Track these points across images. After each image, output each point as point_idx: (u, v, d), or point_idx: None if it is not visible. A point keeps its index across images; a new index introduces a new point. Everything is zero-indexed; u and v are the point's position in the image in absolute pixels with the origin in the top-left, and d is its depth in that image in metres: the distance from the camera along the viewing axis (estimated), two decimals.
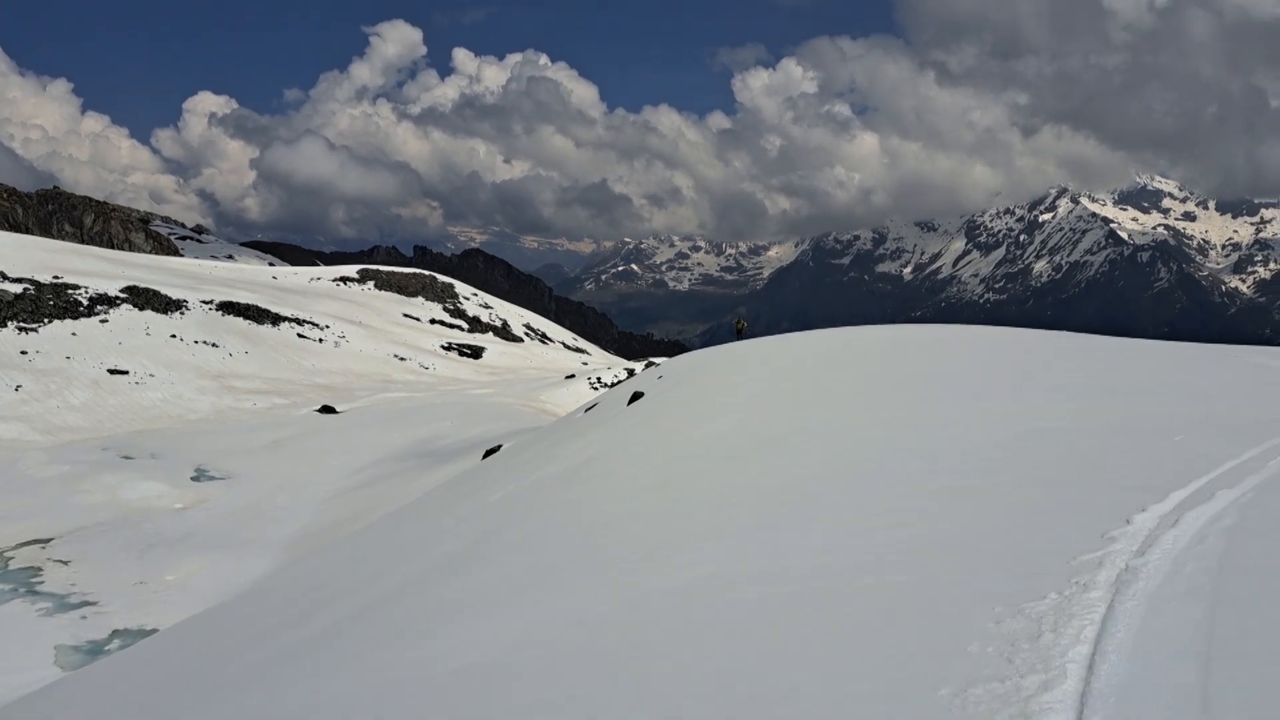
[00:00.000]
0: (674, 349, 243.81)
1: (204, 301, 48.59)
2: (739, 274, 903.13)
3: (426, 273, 67.30)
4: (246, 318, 48.96)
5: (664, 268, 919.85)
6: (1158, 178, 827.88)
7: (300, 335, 50.07)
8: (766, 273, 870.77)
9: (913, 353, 15.64)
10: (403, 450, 31.44)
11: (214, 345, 45.57)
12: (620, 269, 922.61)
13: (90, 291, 44.91)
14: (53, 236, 63.47)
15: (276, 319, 50.35)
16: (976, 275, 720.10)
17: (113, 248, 64.58)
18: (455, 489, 16.36)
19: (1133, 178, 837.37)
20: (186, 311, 47.22)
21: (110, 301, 45.00)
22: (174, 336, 44.57)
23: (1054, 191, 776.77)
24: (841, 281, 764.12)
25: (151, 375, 41.36)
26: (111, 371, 40.41)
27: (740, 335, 42.83)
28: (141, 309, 45.67)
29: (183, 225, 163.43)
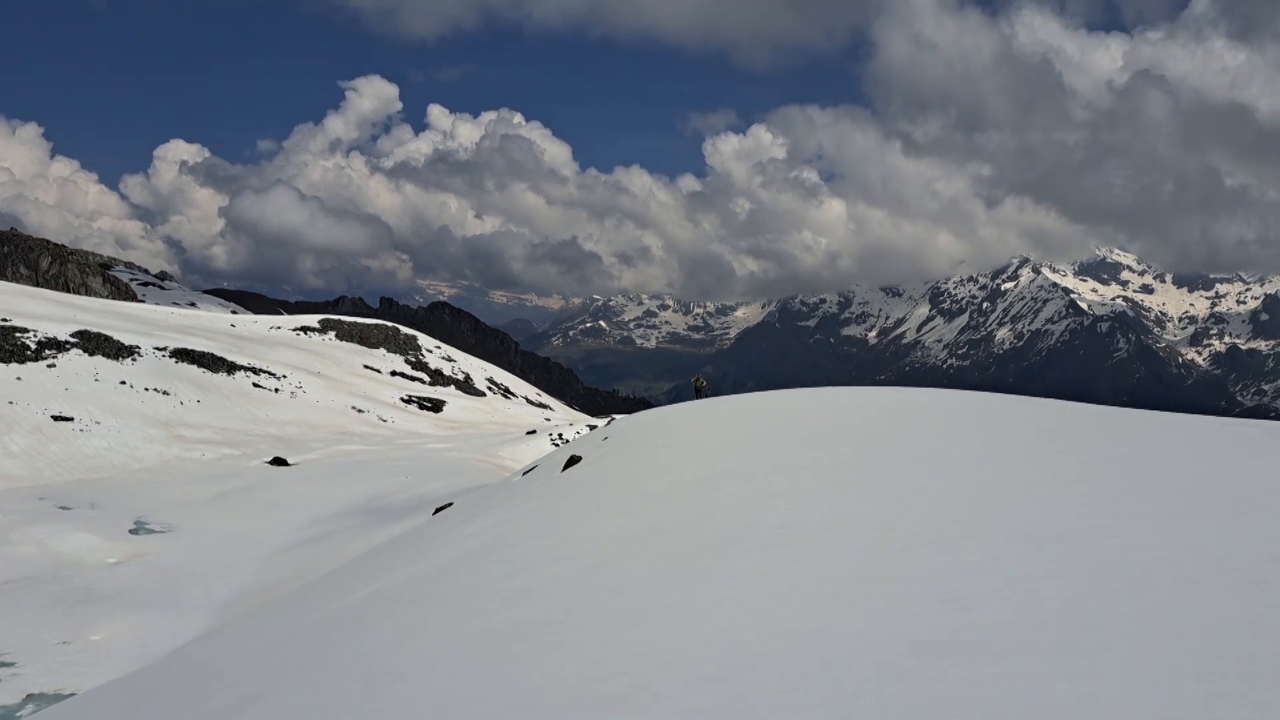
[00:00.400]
0: (639, 406, 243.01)
1: (157, 348, 47.56)
2: (706, 333, 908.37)
3: (389, 324, 66.63)
4: (201, 365, 47.95)
5: (632, 325, 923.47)
6: (1117, 251, 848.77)
7: (256, 384, 49.10)
8: (734, 333, 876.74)
9: (896, 423, 13.84)
10: (351, 506, 30.57)
11: (165, 393, 44.47)
12: (588, 325, 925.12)
13: (39, 335, 43.79)
14: (6, 279, 62.08)
15: (232, 367, 49.38)
16: (940, 341, 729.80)
17: (69, 292, 63.33)
18: (367, 563, 15.17)
19: (1092, 250, 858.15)
20: (139, 358, 46.14)
21: (59, 346, 43.89)
22: (123, 383, 43.47)
23: (1016, 261, 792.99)
24: (807, 344, 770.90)
25: (97, 422, 40.20)
26: (55, 418, 39.22)
27: (700, 394, 42.02)
28: (91, 354, 44.57)
29: (146, 271, 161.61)
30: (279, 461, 40.18)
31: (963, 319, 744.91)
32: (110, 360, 44.78)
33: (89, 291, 65.22)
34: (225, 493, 33.90)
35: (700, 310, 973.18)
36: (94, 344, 44.92)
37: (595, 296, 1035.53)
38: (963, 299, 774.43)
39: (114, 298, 68.16)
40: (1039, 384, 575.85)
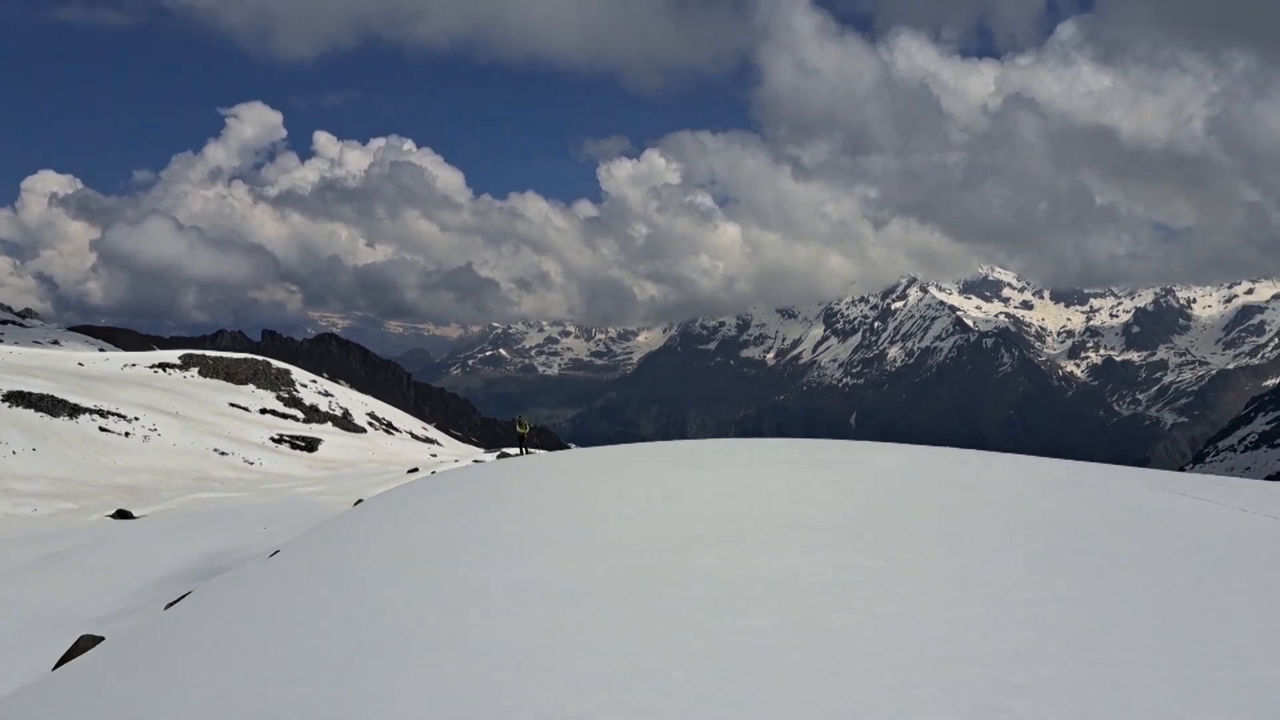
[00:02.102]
0: (541, 435, 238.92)
1: None
2: (609, 359, 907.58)
3: (260, 358, 62.29)
4: (38, 409, 43.26)
5: (533, 352, 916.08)
6: (998, 269, 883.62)
7: (103, 429, 44.58)
8: (636, 357, 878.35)
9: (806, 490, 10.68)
10: (195, 565, 27.05)
11: None
12: (488, 354, 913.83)
13: None
14: None
15: (75, 410, 44.74)
16: (835, 360, 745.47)
17: None
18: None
19: (975, 268, 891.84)
20: None
21: None
22: None
23: (904, 281, 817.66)
24: (709, 366, 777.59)
25: None
26: None
27: (522, 441, 38.14)
28: None
29: (8, 309, 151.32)
30: (122, 514, 35.98)
31: (856, 338, 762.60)
32: None
33: None
34: (51, 555, 29.73)
35: (602, 336, 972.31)
36: None
37: (494, 324, 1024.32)
38: (855, 319, 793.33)
39: None
40: (930, 399, 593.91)
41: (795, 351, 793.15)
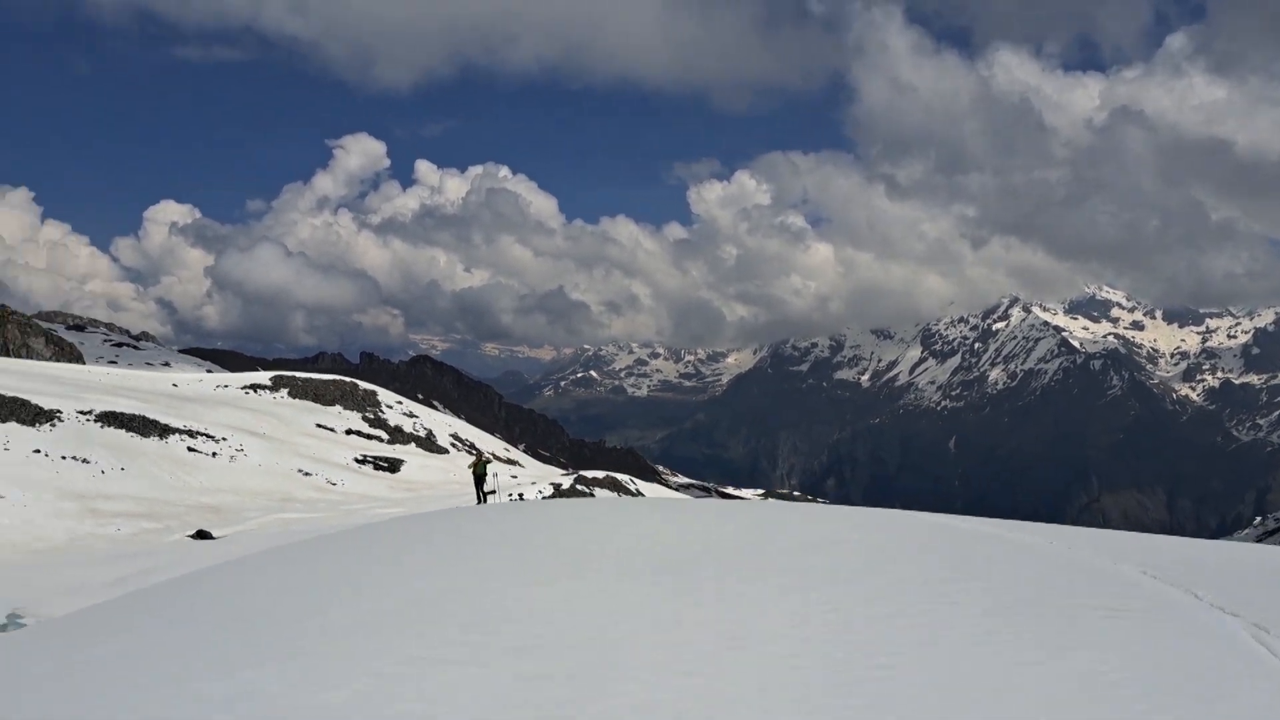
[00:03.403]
0: (628, 456, 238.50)
1: (81, 412, 43.80)
2: (698, 380, 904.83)
3: (347, 379, 62.95)
4: (129, 429, 44.16)
5: (623, 374, 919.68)
6: (1105, 287, 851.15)
7: (190, 449, 45.27)
8: (725, 379, 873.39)
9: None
10: None
11: (85, 461, 40.59)
12: (579, 375, 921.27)
13: None
14: None
15: (165, 430, 45.57)
16: (933, 383, 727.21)
17: (8, 353, 59.71)
18: None
19: (1081, 287, 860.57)
20: (59, 423, 42.36)
21: None
22: (37, 451, 39.63)
23: (1006, 301, 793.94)
24: (800, 388, 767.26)
25: (1, 497, 36.24)
26: None
27: (480, 483, 32.98)
28: (4, 420, 40.80)
29: (126, 332, 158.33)
30: (202, 535, 36.21)
31: (955, 360, 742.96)
32: (25, 427, 41.00)
33: (30, 353, 61.59)
34: (126, 577, 30.04)
35: (691, 357, 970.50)
36: (7, 409, 41.17)
37: (586, 346, 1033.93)
38: (954, 340, 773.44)
39: (57, 358, 64.61)
40: (1034, 424, 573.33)
41: (891, 373, 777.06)
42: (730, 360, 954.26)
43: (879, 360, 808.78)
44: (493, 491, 34.63)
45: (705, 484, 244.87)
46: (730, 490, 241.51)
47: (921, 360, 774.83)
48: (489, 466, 34.10)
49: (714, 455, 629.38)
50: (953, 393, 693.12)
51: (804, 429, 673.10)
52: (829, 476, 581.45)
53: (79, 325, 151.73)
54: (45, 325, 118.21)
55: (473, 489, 35.11)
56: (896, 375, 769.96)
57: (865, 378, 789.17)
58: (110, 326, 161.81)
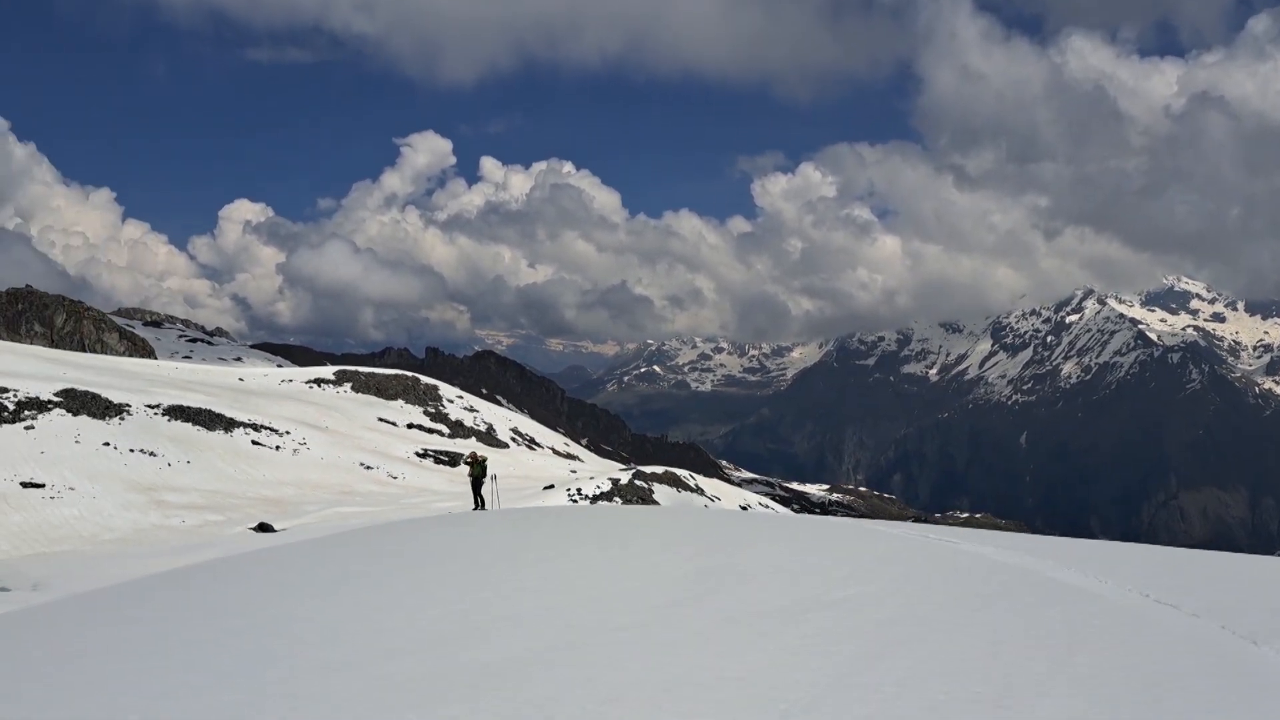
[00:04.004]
0: (690, 452, 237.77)
1: (149, 405, 44.68)
2: (762, 375, 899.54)
3: (410, 374, 63.44)
4: (195, 423, 44.93)
5: (686, 369, 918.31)
6: (1184, 279, 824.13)
7: (255, 442, 45.91)
8: (790, 374, 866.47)
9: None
10: None
11: (152, 454, 41.37)
12: (642, 370, 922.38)
13: (19, 395, 41.15)
14: (20, 337, 60.55)
15: (231, 424, 46.28)
16: (1004, 377, 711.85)
17: (83, 349, 61.49)
18: None
19: (1159, 279, 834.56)
20: (127, 416, 43.25)
21: (41, 405, 41.19)
22: (107, 444, 40.47)
23: (1080, 293, 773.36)
24: (867, 383, 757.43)
25: (71, 488, 37.08)
26: (25, 484, 36.18)
27: (477, 483, 29.28)
28: (76, 414, 41.76)
29: (201, 328, 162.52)
30: (264, 528, 36.57)
31: (1026, 353, 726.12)
32: (95, 420, 41.94)
33: (104, 348, 63.30)
34: (183, 569, 30.50)
35: (756, 352, 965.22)
36: (79, 403, 42.18)
37: (649, 341, 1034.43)
38: (1025, 333, 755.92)
39: (130, 354, 66.25)
40: (1109, 418, 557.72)
41: (960, 367, 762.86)
42: (795, 354, 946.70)
43: (947, 354, 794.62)
44: (482, 502, 30.34)
45: (769, 479, 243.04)
46: (795, 485, 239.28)
47: (991, 354, 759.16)
48: (487, 465, 30.74)
49: (778, 450, 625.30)
50: (1024, 387, 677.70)
51: (870, 424, 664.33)
52: (895, 472, 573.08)
53: (155, 321, 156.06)
54: (124, 321, 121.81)
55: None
56: (965, 369, 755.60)
57: (933, 372, 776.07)
58: (186, 322, 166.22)
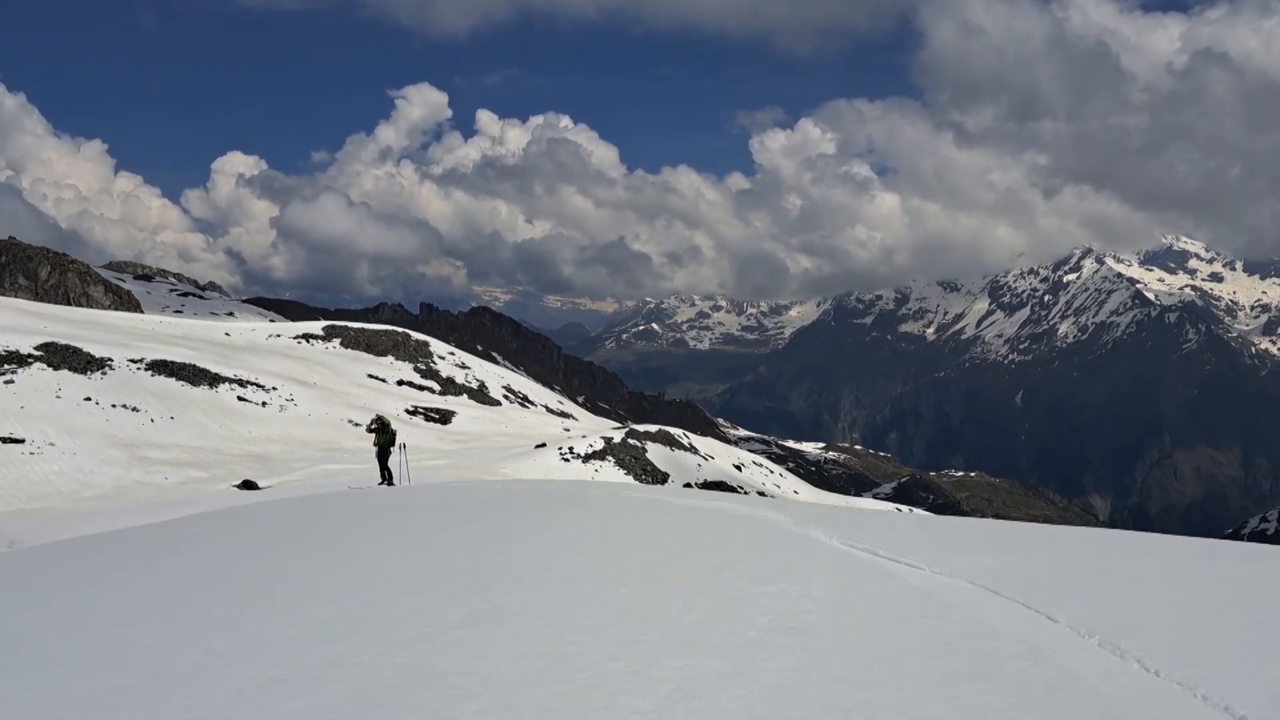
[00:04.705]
0: (688, 410, 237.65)
1: (132, 360, 43.84)
2: (760, 333, 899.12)
3: (400, 330, 62.52)
4: (180, 378, 44.11)
5: (684, 327, 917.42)
6: (1183, 238, 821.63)
7: (240, 398, 45.14)
8: (788, 332, 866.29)
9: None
10: None
11: (134, 409, 40.57)
12: (641, 328, 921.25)
13: None
14: (3, 290, 59.44)
15: (215, 380, 45.48)
16: (1000, 336, 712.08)
17: (69, 302, 60.45)
18: None
19: (1158, 238, 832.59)
20: (109, 371, 42.43)
21: (21, 360, 40.33)
22: (88, 399, 39.66)
23: (1078, 252, 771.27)
24: (864, 341, 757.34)
25: (51, 444, 36.32)
26: (4, 440, 35.38)
27: (383, 453, 25.76)
28: (57, 368, 40.93)
29: (194, 282, 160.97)
30: (248, 485, 35.87)
31: (1024, 312, 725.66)
32: (77, 374, 41.10)
33: (89, 301, 62.28)
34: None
35: (754, 310, 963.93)
36: (60, 357, 41.31)
37: (647, 299, 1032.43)
38: (1023, 292, 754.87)
39: (116, 307, 65.25)
40: (1105, 378, 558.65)
41: (957, 326, 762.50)
42: (793, 313, 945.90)
43: (945, 313, 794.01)
44: (389, 478, 26.50)
45: (766, 437, 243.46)
46: (791, 444, 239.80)
47: (989, 313, 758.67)
48: (396, 434, 26.49)
49: (775, 409, 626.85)
50: (1020, 346, 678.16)
51: (867, 383, 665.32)
52: (892, 431, 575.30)
53: (146, 275, 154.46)
54: (114, 275, 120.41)
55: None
56: (963, 328, 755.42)
57: (930, 331, 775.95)
58: (178, 277, 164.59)
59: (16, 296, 58.55)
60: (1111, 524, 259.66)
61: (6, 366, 39.42)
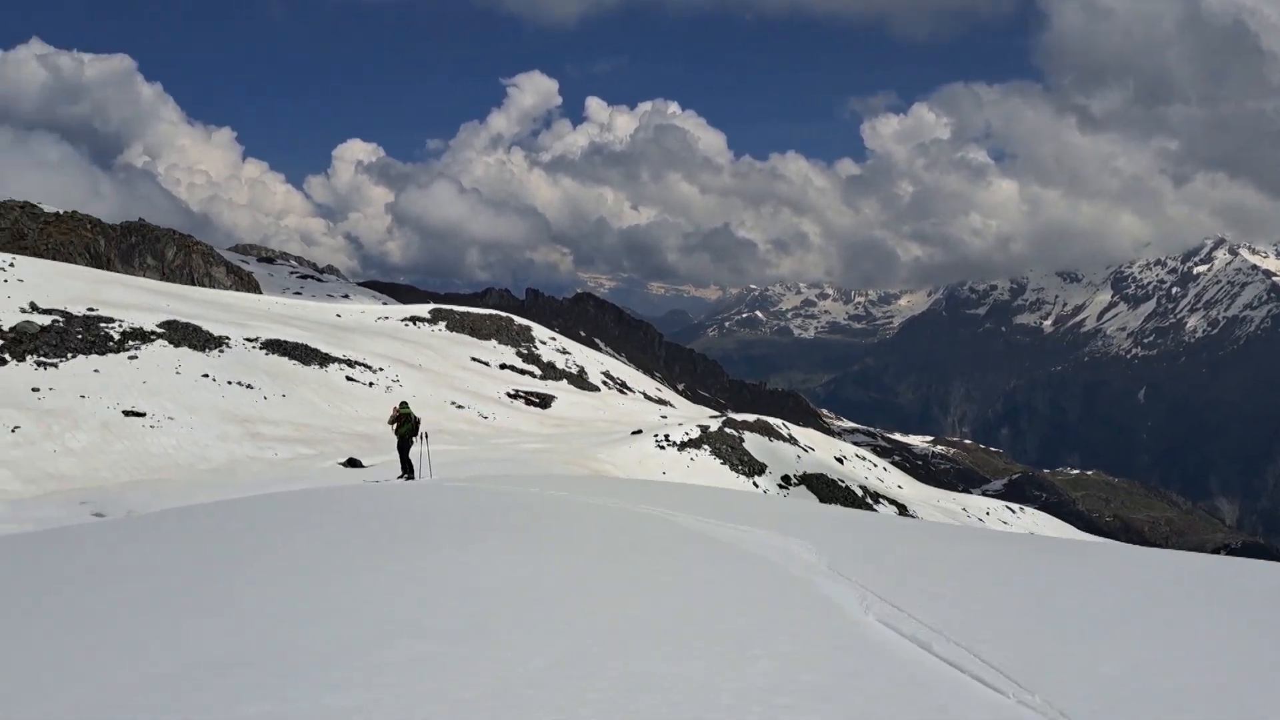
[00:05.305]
0: (789, 399, 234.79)
1: (248, 339, 45.48)
2: (868, 323, 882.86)
3: (504, 314, 63.31)
4: (292, 357, 45.56)
5: (789, 315, 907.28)
6: None
7: (349, 378, 46.36)
8: (897, 322, 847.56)
9: None
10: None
11: (249, 386, 42.06)
12: (744, 315, 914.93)
13: (124, 325, 42.25)
14: (133, 269, 62.69)
15: (326, 359, 46.83)
16: (1123, 329, 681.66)
17: (192, 282, 63.25)
18: None
19: None
20: (226, 349, 44.10)
21: (144, 336, 42.22)
22: (205, 376, 41.26)
23: (1210, 242, 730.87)
24: (977, 333, 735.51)
25: (170, 418, 37.91)
26: (127, 413, 37.08)
27: (404, 444, 23.74)
28: (177, 345, 42.73)
29: (313, 265, 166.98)
30: (353, 463, 36.81)
31: (1149, 305, 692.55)
32: (196, 351, 42.84)
33: (211, 282, 65.07)
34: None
35: (861, 299, 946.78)
36: (180, 334, 43.12)
37: (752, 286, 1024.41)
38: (1149, 284, 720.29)
39: (236, 288, 67.97)
40: (1235, 374, 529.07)
41: (1077, 318, 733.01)
42: (902, 302, 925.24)
43: (1064, 304, 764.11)
44: (410, 471, 24.36)
45: (871, 429, 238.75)
46: (898, 437, 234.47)
47: (1111, 305, 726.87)
48: (405, 424, 23.99)
49: (882, 400, 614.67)
50: (1145, 340, 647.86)
51: (979, 375, 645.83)
52: (1004, 426, 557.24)
53: (269, 258, 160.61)
54: (239, 258, 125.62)
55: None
56: (1083, 320, 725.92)
57: (1048, 323, 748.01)
58: (299, 260, 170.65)
59: (144, 276, 61.65)
60: (1239, 528, 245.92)
61: (131, 343, 41.31)
